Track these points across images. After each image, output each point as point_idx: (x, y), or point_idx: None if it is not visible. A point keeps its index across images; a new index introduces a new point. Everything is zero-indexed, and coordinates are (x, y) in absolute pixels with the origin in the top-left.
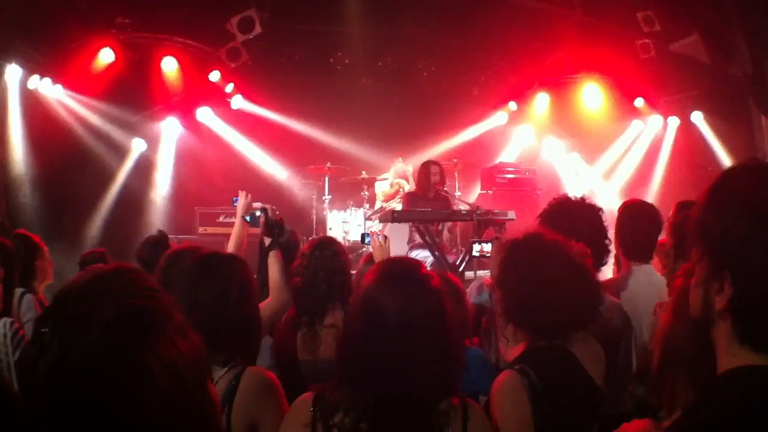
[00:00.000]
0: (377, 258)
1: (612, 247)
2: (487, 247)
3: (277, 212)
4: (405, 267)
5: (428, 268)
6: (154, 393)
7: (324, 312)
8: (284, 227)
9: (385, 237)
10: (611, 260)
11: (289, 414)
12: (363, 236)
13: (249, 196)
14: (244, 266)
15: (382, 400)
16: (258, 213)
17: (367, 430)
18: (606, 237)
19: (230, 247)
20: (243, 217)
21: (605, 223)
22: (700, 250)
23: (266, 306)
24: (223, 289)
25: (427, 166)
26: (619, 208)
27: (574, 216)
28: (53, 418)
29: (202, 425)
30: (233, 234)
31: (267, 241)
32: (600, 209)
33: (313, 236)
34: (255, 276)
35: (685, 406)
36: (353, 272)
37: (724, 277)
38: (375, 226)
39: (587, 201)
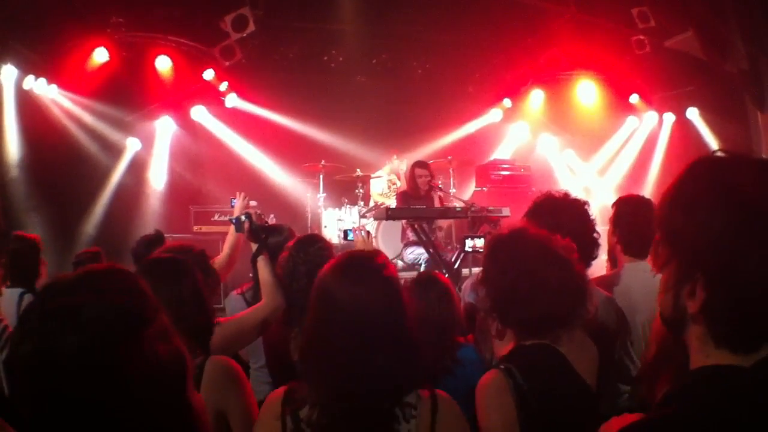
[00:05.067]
0: None
1: (602, 241)
2: (480, 242)
3: (263, 216)
4: (357, 257)
5: (423, 266)
6: (132, 388)
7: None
8: (281, 227)
9: (368, 232)
10: (604, 255)
11: (261, 412)
12: (346, 232)
13: (246, 197)
14: (189, 267)
15: (340, 391)
16: (243, 218)
17: (332, 423)
18: (594, 230)
19: (224, 250)
20: (229, 219)
21: (592, 217)
22: (668, 252)
23: (258, 310)
24: (175, 292)
25: (413, 168)
26: (615, 203)
27: (560, 211)
28: (31, 404)
29: (181, 427)
30: (228, 236)
31: (254, 246)
32: (585, 202)
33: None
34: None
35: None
36: None
37: (695, 279)
38: (370, 223)
39: (571, 196)
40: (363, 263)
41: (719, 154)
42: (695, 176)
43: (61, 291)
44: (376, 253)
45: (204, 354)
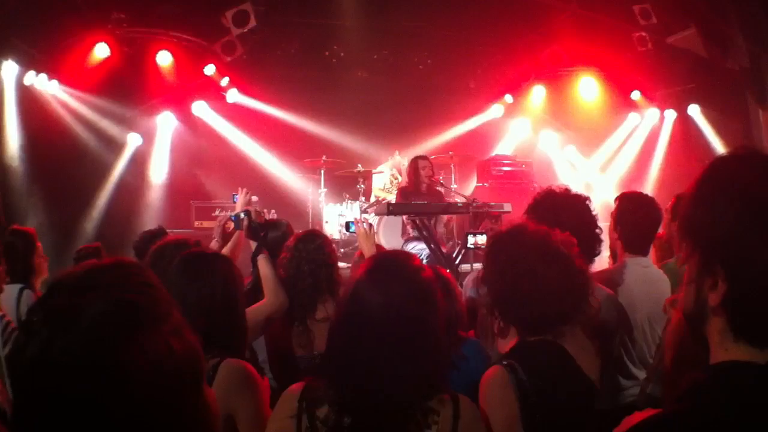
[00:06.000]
0: (362, 245)
1: (604, 236)
2: (482, 239)
3: (262, 213)
4: (393, 260)
5: (424, 261)
6: (139, 392)
7: (314, 306)
8: (279, 222)
9: (370, 225)
10: (606, 251)
11: (278, 405)
12: (348, 224)
13: (248, 193)
14: (227, 263)
15: (365, 395)
16: (242, 215)
17: (350, 425)
18: (596, 226)
19: (227, 247)
20: (230, 216)
21: (593, 212)
22: (690, 246)
23: (261, 307)
24: (207, 288)
25: (415, 161)
26: (617, 199)
27: (561, 207)
28: (37, 408)
29: (193, 428)
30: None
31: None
32: (587, 198)
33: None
34: (250, 276)
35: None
36: (348, 265)
37: (716, 272)
38: (371, 219)
39: (572, 191)
40: (397, 268)
41: (737, 152)
42: (714, 173)
43: (66, 289)
44: (410, 256)
45: (221, 355)
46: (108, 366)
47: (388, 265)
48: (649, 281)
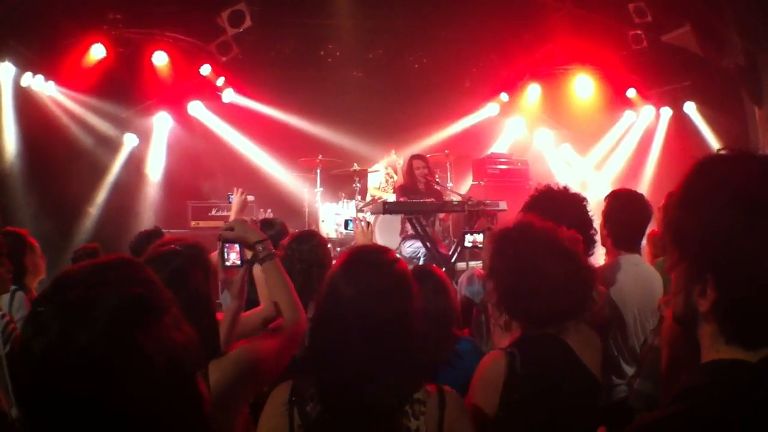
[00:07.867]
0: (359, 243)
1: (597, 237)
2: (479, 238)
3: (256, 220)
4: (367, 253)
5: (421, 260)
6: (152, 379)
7: (306, 305)
8: (273, 221)
9: (368, 223)
10: (601, 250)
11: (268, 403)
12: (346, 222)
13: (244, 193)
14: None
15: (347, 387)
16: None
17: (338, 421)
18: (591, 227)
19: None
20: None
21: (590, 214)
22: (677, 254)
23: (258, 312)
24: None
25: (410, 161)
26: (607, 197)
27: (559, 206)
28: (47, 400)
29: (194, 414)
30: None
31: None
32: (584, 199)
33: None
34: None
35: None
36: None
37: (705, 280)
38: (367, 217)
39: (571, 191)
40: (372, 260)
41: (724, 152)
42: (701, 176)
43: (73, 283)
44: (384, 249)
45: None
46: (123, 356)
47: (362, 257)
48: (641, 278)
